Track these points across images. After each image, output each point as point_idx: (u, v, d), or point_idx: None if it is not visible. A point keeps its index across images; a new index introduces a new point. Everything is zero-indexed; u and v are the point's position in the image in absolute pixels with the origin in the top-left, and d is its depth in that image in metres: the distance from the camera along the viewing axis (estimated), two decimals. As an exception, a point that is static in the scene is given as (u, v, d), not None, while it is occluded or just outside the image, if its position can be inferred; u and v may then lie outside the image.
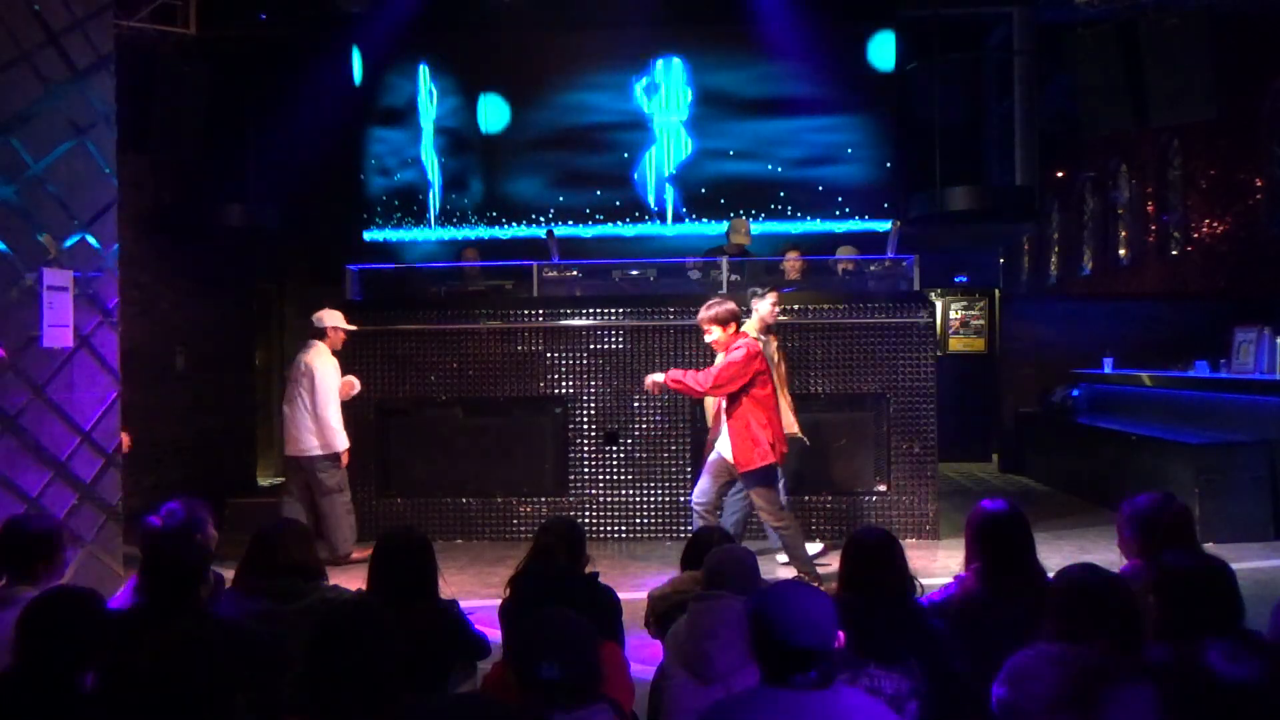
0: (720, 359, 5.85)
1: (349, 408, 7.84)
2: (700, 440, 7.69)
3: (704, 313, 5.96)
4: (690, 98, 10.59)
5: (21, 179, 4.97)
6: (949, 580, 3.43)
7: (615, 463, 7.67)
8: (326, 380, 6.97)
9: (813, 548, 6.70)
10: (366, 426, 7.80)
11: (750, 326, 6.53)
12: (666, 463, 7.65)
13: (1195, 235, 13.47)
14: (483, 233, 10.69)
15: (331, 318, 7.15)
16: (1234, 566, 2.76)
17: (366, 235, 10.72)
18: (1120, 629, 2.53)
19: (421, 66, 10.76)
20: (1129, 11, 8.44)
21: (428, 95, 10.76)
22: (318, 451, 6.93)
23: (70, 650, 2.54)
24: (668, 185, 10.62)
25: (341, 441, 7.00)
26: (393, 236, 10.80)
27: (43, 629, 2.56)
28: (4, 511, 4.01)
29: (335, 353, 7.13)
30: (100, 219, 5.47)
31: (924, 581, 3.36)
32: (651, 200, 10.64)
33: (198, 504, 3.89)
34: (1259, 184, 12.21)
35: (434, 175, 10.82)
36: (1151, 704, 2.40)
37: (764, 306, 6.62)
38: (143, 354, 8.91)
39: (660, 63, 10.53)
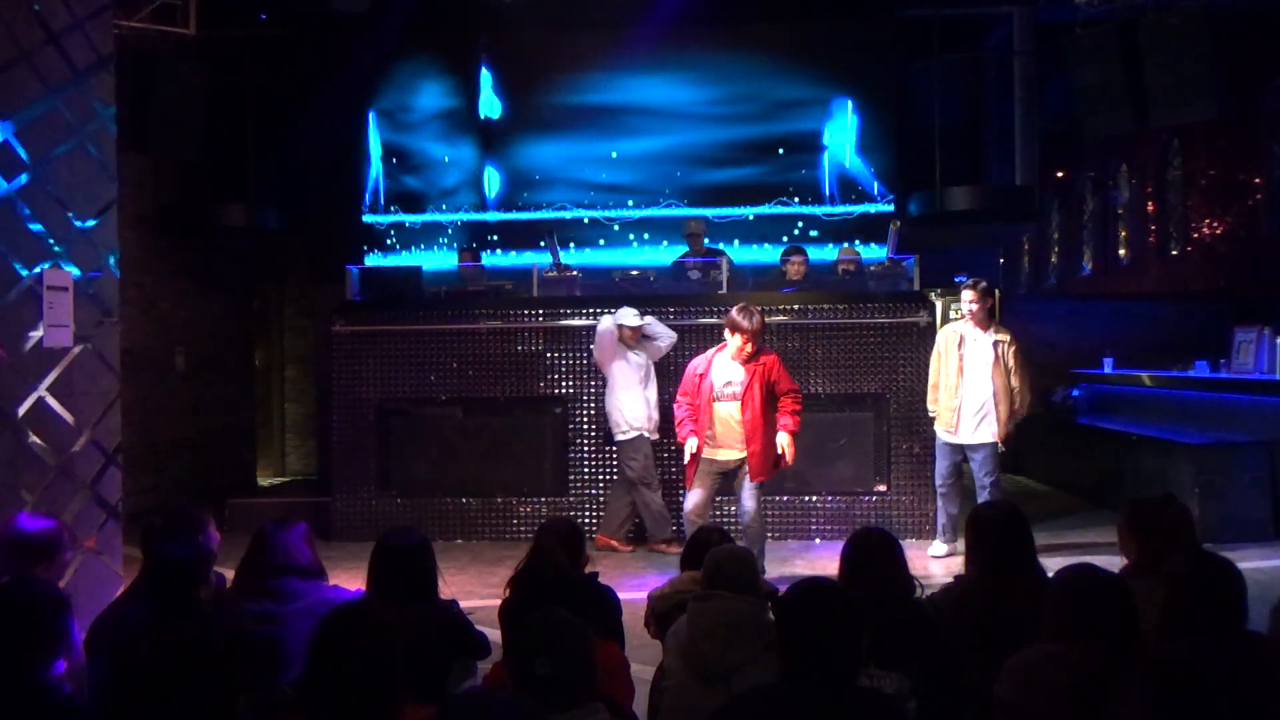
0: (774, 373, 5.90)
1: (348, 407, 7.86)
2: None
3: (753, 322, 5.84)
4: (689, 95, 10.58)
5: (21, 179, 4.97)
6: (949, 580, 3.43)
7: (615, 463, 7.66)
8: (611, 373, 7.36)
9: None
10: (366, 426, 7.81)
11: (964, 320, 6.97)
12: (666, 463, 7.64)
13: (1195, 235, 13.46)
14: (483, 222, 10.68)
15: (618, 318, 7.32)
16: (1234, 567, 2.76)
17: (366, 218, 10.68)
18: (1118, 629, 2.54)
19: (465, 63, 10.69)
20: (1129, 11, 8.43)
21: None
22: (616, 438, 7.35)
23: (28, 641, 2.54)
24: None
25: (625, 429, 7.25)
26: (396, 220, 10.75)
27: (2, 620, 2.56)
28: (4, 511, 4.01)
29: (626, 346, 7.37)
30: (100, 219, 5.47)
31: (924, 582, 3.36)
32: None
33: (198, 505, 3.89)
34: (1259, 184, 12.21)
35: (376, 161, 10.79)
36: (1152, 704, 2.40)
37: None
38: (143, 354, 8.92)
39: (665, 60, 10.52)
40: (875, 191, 10.39)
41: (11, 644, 2.53)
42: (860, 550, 3.15)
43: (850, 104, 10.42)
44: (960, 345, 6.91)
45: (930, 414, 7.07)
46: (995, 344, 6.86)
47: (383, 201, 10.77)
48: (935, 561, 6.81)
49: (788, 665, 2.28)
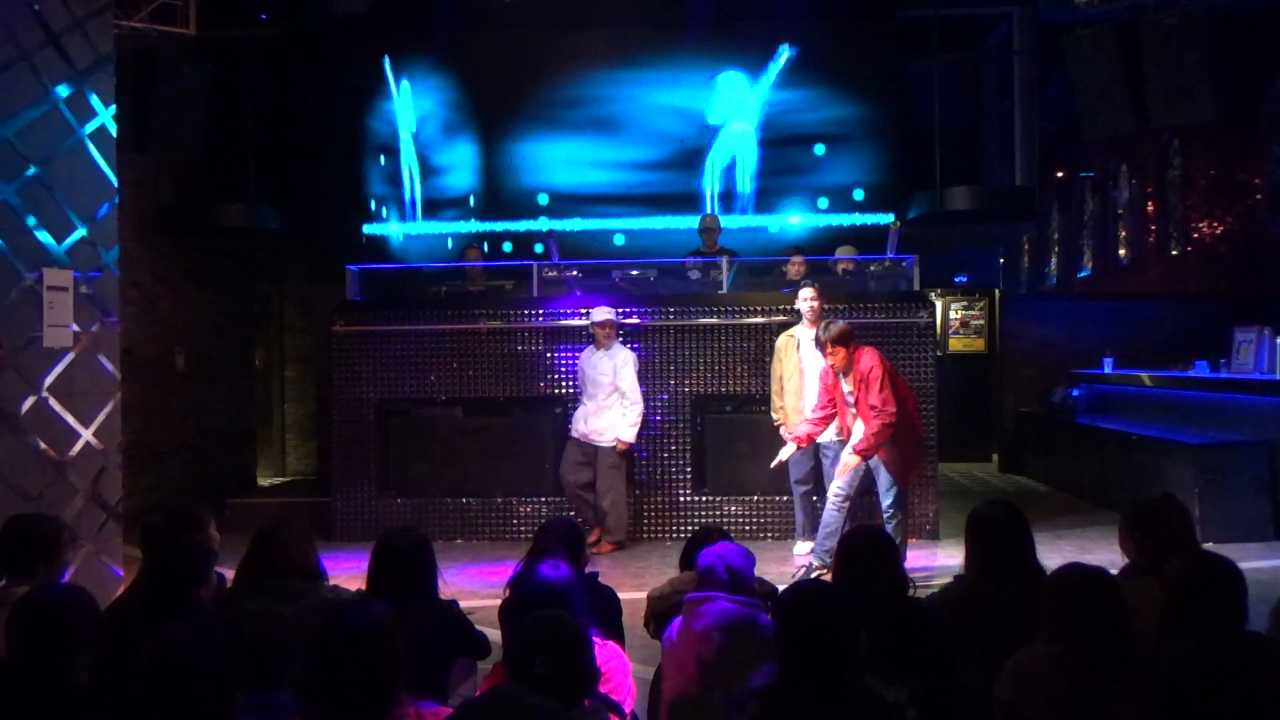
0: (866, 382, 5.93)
1: (348, 407, 7.86)
2: (699, 441, 7.70)
3: (822, 334, 6.10)
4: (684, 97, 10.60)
5: (21, 179, 4.97)
6: (949, 580, 3.42)
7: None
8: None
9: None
10: (366, 426, 7.81)
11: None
12: (666, 463, 7.65)
13: (1195, 235, 13.47)
14: (483, 227, 10.70)
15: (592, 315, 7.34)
16: (1234, 567, 2.76)
17: (366, 229, 10.69)
18: (1112, 628, 2.53)
19: (387, 61, 10.71)
20: (1129, 11, 8.43)
21: (408, 93, 10.74)
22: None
23: (61, 645, 2.55)
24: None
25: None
26: (391, 231, 10.77)
27: (34, 624, 2.57)
28: (5, 512, 4.00)
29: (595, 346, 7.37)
30: (100, 219, 5.47)
31: (925, 582, 3.36)
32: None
33: (199, 504, 3.90)
34: (1259, 184, 12.23)
35: (413, 170, 10.81)
36: (1152, 704, 2.40)
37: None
38: (143, 354, 8.92)
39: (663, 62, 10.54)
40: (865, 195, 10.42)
41: (46, 647, 2.54)
42: (854, 550, 3.14)
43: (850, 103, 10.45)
44: (798, 348, 6.89)
45: (775, 421, 6.96)
46: None
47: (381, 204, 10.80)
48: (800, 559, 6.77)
49: (784, 667, 2.28)
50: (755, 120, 10.46)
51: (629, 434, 7.20)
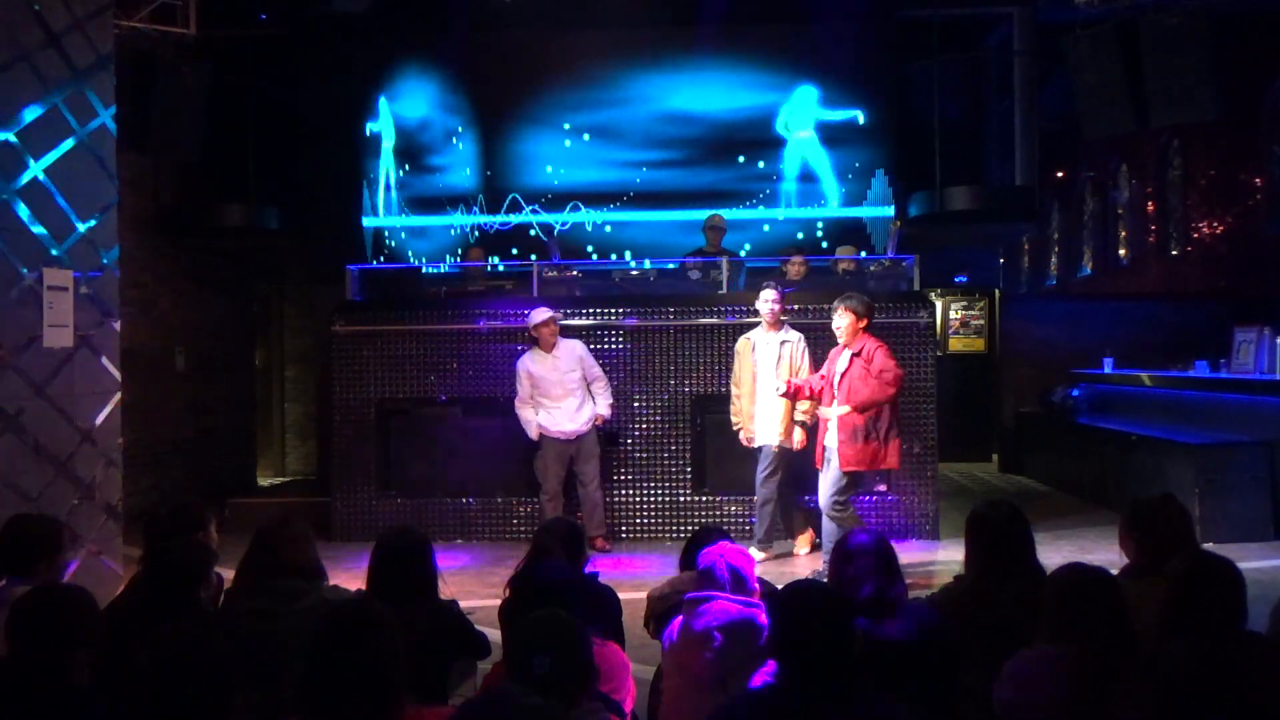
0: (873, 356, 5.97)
1: (348, 407, 7.86)
2: (699, 441, 7.70)
3: (840, 301, 6.15)
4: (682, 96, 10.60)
5: (21, 179, 4.97)
6: (949, 580, 3.42)
7: (615, 463, 7.66)
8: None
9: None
10: (366, 426, 7.81)
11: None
12: (666, 463, 7.65)
13: (1195, 235, 13.47)
14: (481, 220, 10.71)
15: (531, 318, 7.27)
16: (1233, 567, 2.76)
17: (366, 222, 10.68)
18: (1112, 628, 2.53)
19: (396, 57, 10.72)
20: (1129, 11, 8.43)
21: (388, 110, 10.74)
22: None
23: (60, 644, 2.55)
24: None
25: (529, 432, 7.24)
26: (388, 222, 10.76)
27: (34, 624, 2.57)
28: (5, 512, 4.01)
29: (542, 350, 7.25)
30: (100, 219, 5.47)
31: (924, 581, 3.36)
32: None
33: (200, 504, 3.90)
34: (1259, 184, 12.22)
35: (390, 176, 10.83)
36: (1152, 703, 2.40)
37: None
38: (143, 354, 8.92)
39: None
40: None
41: (46, 647, 2.54)
42: (852, 553, 3.13)
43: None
44: (753, 351, 6.80)
45: (734, 425, 6.89)
46: (782, 344, 6.72)
47: (387, 203, 10.80)
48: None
49: (781, 664, 2.28)
50: (813, 124, 10.49)
51: (608, 410, 7.26)
